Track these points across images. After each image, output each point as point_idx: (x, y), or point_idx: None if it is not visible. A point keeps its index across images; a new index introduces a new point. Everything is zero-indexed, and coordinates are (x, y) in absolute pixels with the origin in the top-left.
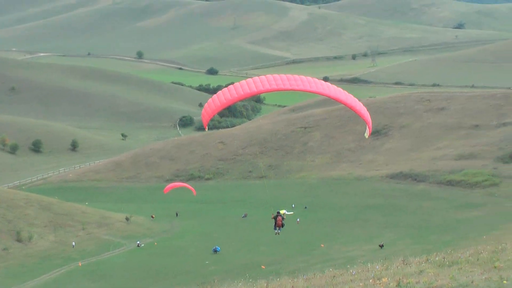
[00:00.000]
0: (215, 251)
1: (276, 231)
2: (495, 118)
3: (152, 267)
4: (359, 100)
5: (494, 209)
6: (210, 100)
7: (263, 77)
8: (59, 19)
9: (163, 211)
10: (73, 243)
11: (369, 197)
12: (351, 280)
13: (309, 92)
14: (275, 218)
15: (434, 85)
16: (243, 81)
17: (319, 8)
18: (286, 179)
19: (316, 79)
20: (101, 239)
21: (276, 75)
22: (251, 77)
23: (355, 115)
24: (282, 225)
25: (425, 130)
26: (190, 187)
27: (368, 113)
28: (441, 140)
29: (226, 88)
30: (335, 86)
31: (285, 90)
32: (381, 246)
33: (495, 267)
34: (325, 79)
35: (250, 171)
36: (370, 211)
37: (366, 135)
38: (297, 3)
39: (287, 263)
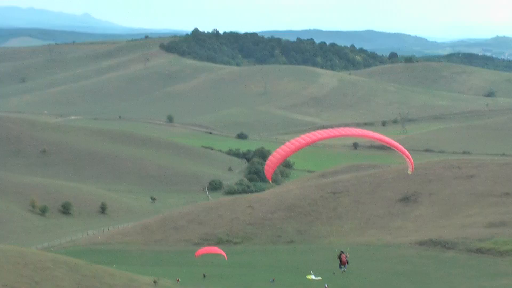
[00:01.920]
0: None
1: (342, 269)
2: None
3: None
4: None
5: None
6: (271, 155)
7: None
8: (91, 83)
9: (190, 275)
10: None
11: (397, 264)
12: None
13: (359, 136)
14: (339, 257)
15: (464, 152)
16: (300, 136)
17: (350, 74)
18: (315, 245)
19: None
20: None
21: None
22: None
23: (385, 182)
24: (347, 262)
25: (454, 197)
26: (222, 251)
27: (409, 154)
28: (471, 207)
29: (287, 142)
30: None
31: (335, 137)
32: None
33: None
34: (355, 145)
35: (278, 236)
36: (399, 278)
37: (409, 171)
38: (327, 69)
39: None
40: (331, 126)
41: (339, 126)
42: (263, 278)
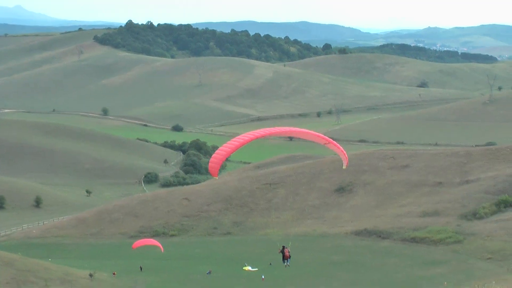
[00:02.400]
0: (208, 273)
1: (285, 263)
2: (458, 175)
3: None
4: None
5: (457, 267)
6: (215, 152)
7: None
8: (24, 76)
9: (127, 268)
10: None
11: (333, 254)
12: None
13: (294, 135)
14: (282, 252)
15: (398, 142)
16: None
17: (284, 66)
18: (251, 236)
19: (298, 129)
20: None
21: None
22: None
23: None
24: (289, 257)
25: (389, 187)
26: (158, 244)
27: (343, 149)
28: (405, 197)
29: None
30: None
31: (278, 134)
32: None
33: None
34: (290, 137)
35: (215, 228)
36: (334, 268)
37: (344, 166)
38: (262, 61)
39: None
40: (266, 118)
41: (274, 118)
42: (200, 270)
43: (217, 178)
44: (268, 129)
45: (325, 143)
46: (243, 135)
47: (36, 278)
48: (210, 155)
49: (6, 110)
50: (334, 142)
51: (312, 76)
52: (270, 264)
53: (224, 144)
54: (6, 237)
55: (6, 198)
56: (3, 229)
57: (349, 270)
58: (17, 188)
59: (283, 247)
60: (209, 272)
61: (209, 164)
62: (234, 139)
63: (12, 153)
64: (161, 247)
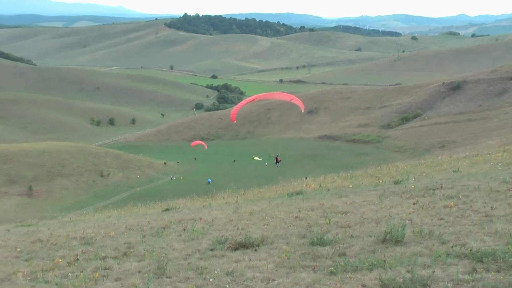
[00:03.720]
0: (208, 182)
1: (277, 165)
2: (378, 103)
3: (179, 190)
4: (297, 94)
5: (378, 156)
6: (233, 107)
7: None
8: (124, 47)
9: (186, 159)
10: (138, 176)
11: (306, 150)
12: (293, 186)
13: (271, 98)
14: (276, 158)
15: (344, 84)
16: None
17: (277, 39)
18: (258, 139)
19: (280, 92)
20: (149, 175)
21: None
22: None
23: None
24: (280, 161)
25: (338, 110)
26: (204, 144)
27: (301, 101)
28: (348, 116)
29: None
30: (283, 92)
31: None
32: (306, 178)
33: (376, 177)
34: (281, 81)
35: (236, 135)
36: (306, 158)
37: (302, 111)
38: (263, 36)
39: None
40: (266, 70)
41: (271, 70)
42: (228, 159)
43: (235, 122)
44: (260, 94)
45: (290, 100)
46: (249, 98)
47: (133, 165)
48: (234, 93)
49: (114, 67)
50: (296, 97)
51: (293, 45)
52: (270, 156)
53: (239, 103)
54: (115, 142)
55: (115, 118)
56: (113, 137)
57: (315, 159)
58: (121, 113)
59: (277, 155)
60: (234, 161)
61: (231, 114)
62: (243, 101)
63: (116, 92)
64: (205, 146)
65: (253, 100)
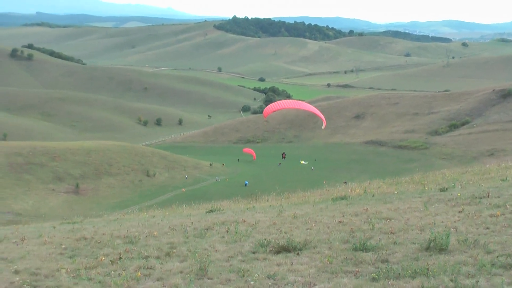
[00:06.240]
0: (246, 184)
1: (283, 160)
2: (426, 109)
3: (223, 192)
4: (344, 98)
5: (425, 162)
6: (267, 107)
7: (282, 101)
8: (173, 48)
9: (231, 161)
10: (186, 176)
11: (351, 155)
12: (338, 190)
13: (300, 109)
14: (282, 154)
15: (392, 89)
16: (277, 103)
17: (325, 43)
18: (304, 143)
19: (301, 102)
20: (195, 176)
21: (285, 101)
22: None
23: (345, 106)
24: (284, 158)
25: (385, 115)
26: (254, 154)
27: (322, 114)
28: (395, 121)
29: (272, 104)
30: (308, 104)
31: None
32: (345, 182)
33: (422, 184)
34: (328, 85)
35: (282, 138)
36: (352, 163)
37: (323, 127)
38: (311, 39)
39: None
40: (314, 74)
41: (318, 74)
42: (273, 163)
43: (265, 118)
44: (291, 102)
45: (316, 113)
46: (286, 101)
47: (179, 165)
48: (281, 96)
49: (162, 68)
50: (320, 114)
51: (341, 49)
52: (315, 160)
53: (276, 102)
54: (162, 142)
55: (162, 119)
56: (160, 137)
57: (361, 164)
58: (167, 113)
59: (283, 153)
60: (279, 164)
61: (264, 110)
62: (279, 104)
63: (166, 93)
64: (254, 157)
65: (281, 109)
